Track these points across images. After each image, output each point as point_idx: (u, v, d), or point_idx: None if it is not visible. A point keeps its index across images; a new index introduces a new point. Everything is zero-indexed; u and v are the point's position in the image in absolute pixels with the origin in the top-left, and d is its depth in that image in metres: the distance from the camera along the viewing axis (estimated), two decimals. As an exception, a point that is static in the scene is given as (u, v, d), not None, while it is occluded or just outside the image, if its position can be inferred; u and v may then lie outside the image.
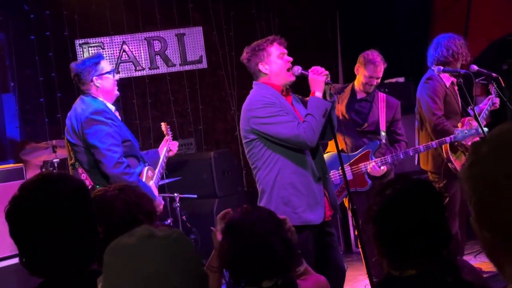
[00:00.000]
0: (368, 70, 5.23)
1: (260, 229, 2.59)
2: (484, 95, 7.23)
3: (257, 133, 4.10)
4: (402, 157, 5.23)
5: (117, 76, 4.66)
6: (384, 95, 5.49)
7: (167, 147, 5.20)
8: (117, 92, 4.67)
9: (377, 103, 5.41)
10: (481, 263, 5.72)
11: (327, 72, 4.09)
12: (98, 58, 4.60)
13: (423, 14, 8.02)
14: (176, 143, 5.30)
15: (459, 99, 5.54)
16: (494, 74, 5.34)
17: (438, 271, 2.11)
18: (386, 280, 2.18)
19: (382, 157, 5.22)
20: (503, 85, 5.37)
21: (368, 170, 5.23)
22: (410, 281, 2.11)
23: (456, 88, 5.50)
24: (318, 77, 4.08)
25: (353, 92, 5.41)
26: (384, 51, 5.34)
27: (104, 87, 4.53)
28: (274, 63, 4.15)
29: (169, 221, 6.30)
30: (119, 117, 4.67)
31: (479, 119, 5.14)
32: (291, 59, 4.15)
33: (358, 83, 5.37)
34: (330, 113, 4.12)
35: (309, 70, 4.11)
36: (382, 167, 5.18)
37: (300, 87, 4.42)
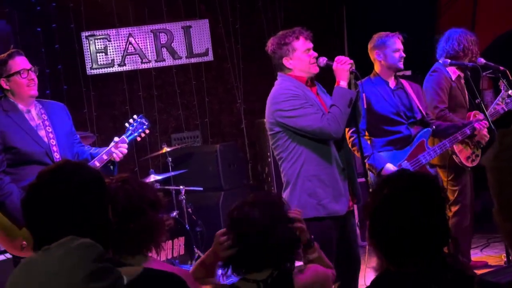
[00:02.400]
0: (392, 44, 5.10)
1: (258, 221, 2.61)
2: (491, 88, 7.31)
3: (282, 125, 4.13)
4: (449, 146, 5.12)
5: (31, 75, 4.33)
6: (405, 80, 5.38)
7: (113, 148, 4.55)
8: (31, 92, 4.36)
9: (406, 89, 5.30)
10: (487, 256, 5.75)
11: (351, 61, 4.11)
12: (8, 56, 4.30)
13: (429, 7, 8.03)
14: (124, 146, 4.57)
15: (466, 93, 5.52)
16: (501, 68, 5.33)
17: (437, 268, 2.11)
18: (384, 275, 2.19)
19: (440, 143, 5.11)
20: (511, 78, 5.37)
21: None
22: (409, 277, 2.11)
23: (463, 82, 5.48)
24: (342, 66, 4.11)
25: (384, 83, 5.24)
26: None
27: (12, 89, 4.36)
28: (299, 59, 4.19)
29: (174, 213, 6.37)
30: (34, 119, 4.43)
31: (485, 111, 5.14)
32: (315, 54, 4.17)
33: (384, 68, 5.17)
34: (356, 102, 4.13)
35: (334, 60, 4.14)
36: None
37: (324, 77, 4.43)
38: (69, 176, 2.09)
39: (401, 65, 5.08)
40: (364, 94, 4.90)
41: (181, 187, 6.54)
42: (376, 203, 2.20)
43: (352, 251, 4.25)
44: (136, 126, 4.73)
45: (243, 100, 8.20)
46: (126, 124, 4.71)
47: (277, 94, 4.16)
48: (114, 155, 4.49)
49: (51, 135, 4.39)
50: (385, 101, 5.10)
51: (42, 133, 4.40)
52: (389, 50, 5.08)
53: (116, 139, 4.54)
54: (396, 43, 5.09)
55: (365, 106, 4.80)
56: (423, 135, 5.11)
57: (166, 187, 6.57)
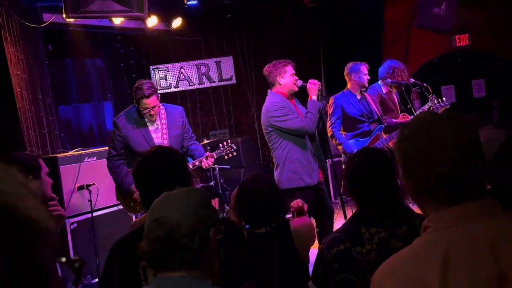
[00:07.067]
0: (364, 70, 5.72)
1: (259, 189, 2.85)
2: (419, 98, 8.15)
3: (274, 127, 4.58)
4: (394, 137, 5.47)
5: (151, 112, 4.48)
6: (367, 93, 5.90)
7: (204, 159, 4.62)
8: (151, 119, 4.43)
9: (368, 99, 5.82)
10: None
11: (319, 83, 4.65)
12: (141, 95, 4.39)
13: (375, 46, 8.76)
14: (211, 160, 4.66)
15: (396, 101, 6.32)
16: (425, 84, 6.16)
17: (392, 208, 2.38)
18: (357, 214, 2.44)
19: (388, 136, 5.67)
20: (431, 91, 6.15)
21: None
22: (373, 215, 2.37)
23: (393, 94, 6.34)
24: (313, 86, 4.62)
25: (353, 95, 5.74)
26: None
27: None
28: (287, 78, 4.63)
29: (212, 183, 7.49)
30: (153, 123, 4.58)
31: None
32: (297, 78, 4.69)
33: (355, 85, 5.72)
34: (322, 110, 4.58)
35: (308, 82, 4.69)
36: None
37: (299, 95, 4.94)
38: (165, 154, 2.32)
39: (366, 84, 5.86)
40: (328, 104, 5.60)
41: (216, 166, 7.53)
42: (350, 169, 2.40)
43: (326, 206, 4.73)
44: (226, 148, 4.96)
45: (256, 109, 8.97)
46: (220, 145, 4.99)
47: (270, 106, 4.61)
48: (203, 163, 4.68)
49: (164, 136, 4.64)
50: (353, 107, 5.73)
51: (157, 135, 4.65)
52: (362, 74, 5.78)
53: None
54: (366, 69, 5.84)
55: (329, 111, 5.48)
56: (379, 130, 5.78)
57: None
